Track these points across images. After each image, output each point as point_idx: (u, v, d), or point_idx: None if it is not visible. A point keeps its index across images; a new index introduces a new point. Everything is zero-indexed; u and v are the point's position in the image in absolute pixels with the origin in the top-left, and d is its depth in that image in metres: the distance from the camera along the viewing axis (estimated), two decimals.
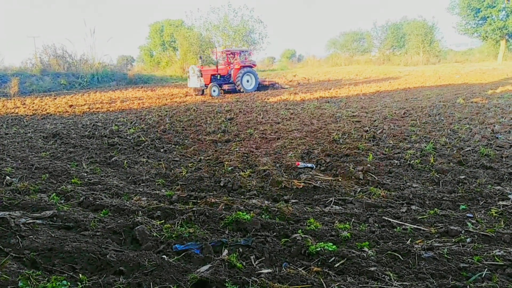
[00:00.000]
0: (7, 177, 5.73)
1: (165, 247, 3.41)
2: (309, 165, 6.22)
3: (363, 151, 7.02)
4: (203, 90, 20.19)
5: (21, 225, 3.77)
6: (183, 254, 3.24)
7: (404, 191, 4.92)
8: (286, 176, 5.70)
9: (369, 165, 5.97)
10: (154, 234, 3.61)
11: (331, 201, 4.65)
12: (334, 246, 3.31)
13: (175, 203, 4.64)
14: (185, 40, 39.68)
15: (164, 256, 3.19)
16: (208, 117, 12.24)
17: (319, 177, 5.57)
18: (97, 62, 31.78)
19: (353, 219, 4.07)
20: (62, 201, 4.72)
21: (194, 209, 4.24)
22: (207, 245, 3.32)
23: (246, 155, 7.11)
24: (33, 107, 16.61)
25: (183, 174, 5.93)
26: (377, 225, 3.97)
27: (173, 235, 3.57)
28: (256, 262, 3.12)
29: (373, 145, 7.50)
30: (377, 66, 42.55)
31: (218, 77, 20.55)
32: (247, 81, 21.16)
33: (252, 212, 4.17)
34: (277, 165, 6.37)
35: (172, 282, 2.78)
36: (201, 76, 19.54)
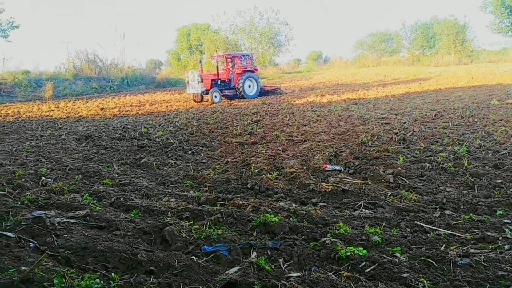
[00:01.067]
0: (43, 178, 5.95)
1: (194, 248, 3.44)
2: (337, 167, 6.13)
3: (393, 153, 6.86)
4: (203, 96, 19.18)
5: (56, 224, 3.90)
6: (212, 255, 3.26)
7: (437, 195, 4.76)
8: (314, 179, 5.64)
9: (399, 168, 5.83)
10: (183, 235, 3.65)
11: (361, 204, 4.56)
12: (364, 251, 3.23)
13: (203, 205, 4.68)
14: (212, 44, 40.18)
15: (193, 257, 3.21)
16: (235, 119, 12.31)
17: (347, 180, 5.48)
18: (126, 66, 32.63)
19: (383, 224, 3.97)
20: (95, 201, 4.85)
21: (222, 210, 4.26)
22: (235, 247, 3.32)
23: (272, 157, 7.10)
24: (66, 110, 17.22)
25: (211, 176, 5.98)
26: (409, 230, 3.86)
27: (202, 236, 3.60)
28: (285, 265, 3.10)
29: (404, 148, 7.32)
30: (406, 67, 41.55)
31: (219, 82, 19.49)
32: (249, 86, 20.19)
33: (279, 214, 4.15)
34: (304, 167, 6.32)
35: (201, 283, 2.79)
36: (202, 81, 18.41)
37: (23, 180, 5.83)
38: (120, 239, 3.59)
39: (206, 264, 3.07)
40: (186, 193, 5.23)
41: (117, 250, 3.28)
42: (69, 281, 2.75)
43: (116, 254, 3.23)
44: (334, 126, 10.12)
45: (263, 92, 21.35)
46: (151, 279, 2.86)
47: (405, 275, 2.89)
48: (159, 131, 10.55)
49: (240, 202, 4.56)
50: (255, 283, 2.72)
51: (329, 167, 6.14)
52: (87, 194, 5.08)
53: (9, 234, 3.75)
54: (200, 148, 8.36)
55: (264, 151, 7.58)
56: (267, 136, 9.24)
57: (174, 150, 8.15)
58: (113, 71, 31.24)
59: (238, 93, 19.79)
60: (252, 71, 20.55)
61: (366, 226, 3.91)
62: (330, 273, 2.94)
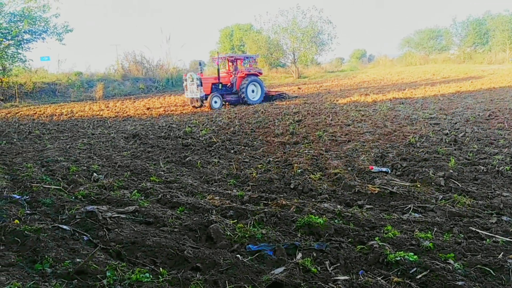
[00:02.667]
0: (94, 174, 6.25)
1: (238, 246, 3.46)
2: (384, 169, 5.94)
3: (443, 155, 6.53)
4: (202, 101, 17.45)
5: (107, 219, 4.07)
6: (256, 254, 3.26)
7: (493, 200, 4.48)
8: (359, 180, 5.50)
9: (451, 170, 5.54)
10: (228, 233, 3.68)
11: (410, 208, 4.38)
12: (415, 256, 3.10)
13: (247, 204, 4.70)
14: (254, 44, 40.37)
15: (238, 255, 3.23)
16: (276, 119, 12.28)
17: (395, 182, 5.29)
18: (171, 67, 33.58)
19: (435, 228, 3.79)
20: (143, 198, 5.02)
21: (265, 210, 4.25)
22: (280, 247, 3.30)
23: (315, 157, 7.00)
24: (115, 109, 18.00)
25: (253, 175, 5.99)
26: (463, 235, 3.65)
27: (246, 235, 3.61)
28: (331, 268, 3.03)
29: (455, 150, 6.95)
30: (456, 65, 39.55)
31: (220, 87, 17.83)
32: (252, 91, 18.47)
33: (324, 216, 4.07)
34: (349, 168, 6.18)
35: (246, 281, 2.80)
36: (201, 85, 16.86)
37: (76, 176, 6.15)
38: (167, 235, 3.68)
39: (251, 263, 3.07)
40: (229, 191, 5.28)
41: (164, 246, 3.36)
42: (120, 274, 2.86)
43: (163, 250, 3.32)
44: (379, 126, 9.82)
45: (267, 97, 19.53)
46: (198, 276, 2.91)
47: (459, 283, 2.73)
48: (202, 130, 10.74)
49: (284, 202, 4.54)
50: (301, 284, 2.69)
51: (375, 168, 5.96)
52: (135, 191, 5.27)
53: (65, 227, 3.97)
54: (243, 147, 8.42)
55: (306, 151, 7.50)
56: (310, 136, 9.14)
57: (217, 149, 8.26)
58: (159, 72, 32.25)
59: (240, 98, 18.01)
60: (256, 75, 18.80)
61: (416, 230, 3.75)
62: (379, 278, 2.84)
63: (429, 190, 5.02)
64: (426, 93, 17.64)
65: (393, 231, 3.65)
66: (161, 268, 3.04)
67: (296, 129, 10.09)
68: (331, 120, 11.38)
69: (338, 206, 4.46)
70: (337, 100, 17.02)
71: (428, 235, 3.59)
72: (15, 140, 10.68)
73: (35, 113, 17.27)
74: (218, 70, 17.94)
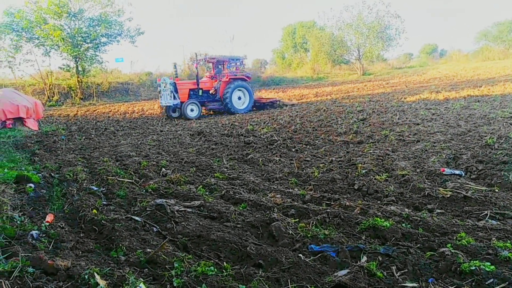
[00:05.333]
0: (163, 169, 6.58)
1: (300, 246, 3.44)
2: (457, 172, 5.55)
3: None
4: (177, 110, 15.59)
5: (175, 212, 4.28)
6: (319, 255, 3.22)
7: None
8: (429, 183, 5.19)
9: None
10: (290, 231, 3.68)
11: (486, 214, 4.05)
12: (492, 267, 2.86)
13: (308, 203, 4.66)
14: (317, 41, 39.90)
15: (300, 254, 3.22)
16: (339, 117, 12.01)
17: (469, 186, 4.91)
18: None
19: None
20: (207, 193, 5.19)
21: (328, 210, 4.18)
22: (343, 249, 3.23)
23: (381, 158, 6.73)
24: None
25: (315, 174, 5.92)
26: None
27: (308, 235, 3.58)
28: (398, 274, 2.90)
29: None
30: None
31: (200, 93, 15.72)
32: (239, 98, 16.22)
33: (390, 219, 3.91)
34: (418, 170, 5.86)
35: (309, 281, 2.78)
36: (176, 92, 14.98)
37: (147, 170, 6.52)
38: (230, 230, 3.77)
39: (313, 263, 3.04)
40: (290, 190, 5.27)
41: (228, 241, 3.45)
42: (187, 265, 2.99)
43: (227, 245, 3.40)
44: (452, 126, 9.19)
45: (258, 105, 17.41)
46: (260, 272, 2.95)
47: None
48: (263, 128, 10.84)
49: (347, 203, 4.43)
50: None
51: (447, 170, 5.59)
52: (200, 186, 5.47)
53: (137, 218, 4.24)
54: (304, 146, 8.35)
55: (371, 151, 7.24)
56: (375, 135, 8.81)
57: (278, 147, 8.28)
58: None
59: (224, 106, 16.02)
60: (244, 79, 16.48)
61: (494, 239, 3.45)
62: (450, 287, 2.67)
63: (508, 195, 4.59)
64: (506, 90, 16.14)
65: (467, 238, 3.39)
66: (224, 263, 3.12)
67: (360, 128, 9.79)
68: (398, 118, 10.88)
69: (406, 210, 4.25)
70: (405, 98, 16.23)
71: (508, 244, 3.29)
72: (93, 136, 11.62)
73: (110, 111, 18.64)
74: (197, 74, 15.83)
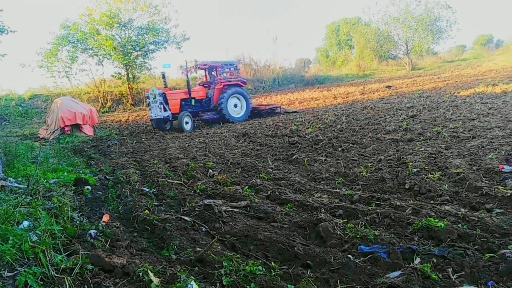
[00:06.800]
0: (210, 170, 6.72)
1: (349, 246, 3.37)
2: None
3: None
4: (168, 122, 14.29)
5: (222, 212, 4.35)
6: (369, 256, 3.13)
7: None
8: (487, 181, 4.88)
9: None
10: (338, 232, 3.61)
11: None
12: None
13: (357, 203, 4.55)
14: (362, 37, 38.99)
15: (349, 255, 3.15)
16: (387, 114, 11.63)
17: None
18: (278, 67, 34.35)
19: None
20: (253, 193, 5.23)
21: (377, 210, 4.06)
22: (394, 250, 3.12)
23: (433, 155, 6.43)
24: None
25: (363, 174, 5.77)
26: None
27: (357, 236, 3.50)
28: (455, 276, 2.75)
29: None
30: None
31: (193, 103, 14.52)
32: (235, 105, 15.02)
33: (445, 219, 3.72)
34: (474, 168, 5.52)
35: (359, 283, 2.71)
36: (166, 103, 13.64)
37: (194, 172, 6.69)
38: (277, 231, 3.77)
39: (363, 265, 2.96)
40: (338, 190, 5.17)
41: (275, 241, 3.46)
42: (235, 264, 3.03)
43: (274, 245, 3.41)
44: (511, 120, 8.58)
45: (257, 113, 16.06)
46: (308, 273, 2.92)
47: None
48: (308, 128, 10.74)
49: (398, 203, 4.27)
50: None
51: (506, 168, 5.22)
52: (246, 187, 5.52)
53: (186, 218, 4.36)
54: (350, 145, 8.17)
55: (422, 149, 6.93)
56: (426, 132, 8.43)
57: (323, 147, 8.17)
58: (265, 72, 33.29)
59: (219, 115, 14.65)
60: (239, 85, 15.33)
61: None
62: None
63: None
64: None
65: None
66: (272, 262, 3.13)
67: (410, 125, 9.41)
68: (451, 114, 10.34)
69: (462, 209, 4.02)
70: (458, 92, 15.39)
71: None
72: (143, 139, 12.14)
73: None
74: (188, 82, 14.54)
